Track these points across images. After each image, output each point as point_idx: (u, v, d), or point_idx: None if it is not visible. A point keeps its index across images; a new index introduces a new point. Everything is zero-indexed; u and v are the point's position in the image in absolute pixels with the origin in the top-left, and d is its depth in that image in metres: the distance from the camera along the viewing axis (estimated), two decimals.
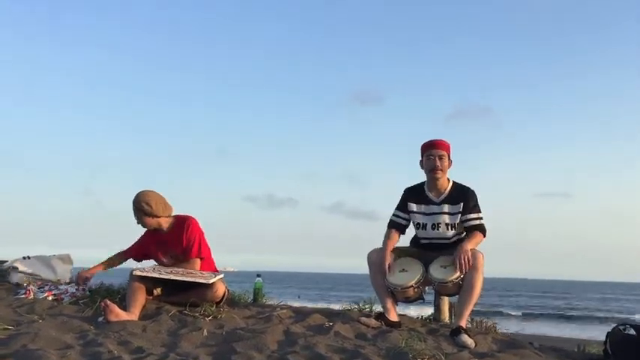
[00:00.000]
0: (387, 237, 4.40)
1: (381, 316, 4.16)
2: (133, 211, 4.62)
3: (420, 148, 4.40)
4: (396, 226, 4.46)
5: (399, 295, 4.22)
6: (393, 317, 4.17)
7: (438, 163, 4.27)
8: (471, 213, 4.27)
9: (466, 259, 4.00)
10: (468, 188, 4.35)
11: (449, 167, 4.33)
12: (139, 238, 4.87)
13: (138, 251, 4.84)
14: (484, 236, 4.25)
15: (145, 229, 4.77)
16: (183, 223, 4.64)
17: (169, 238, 4.64)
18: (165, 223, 4.64)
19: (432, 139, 4.35)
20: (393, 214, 4.49)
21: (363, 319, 4.12)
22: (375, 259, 4.30)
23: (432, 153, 4.29)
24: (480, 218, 4.28)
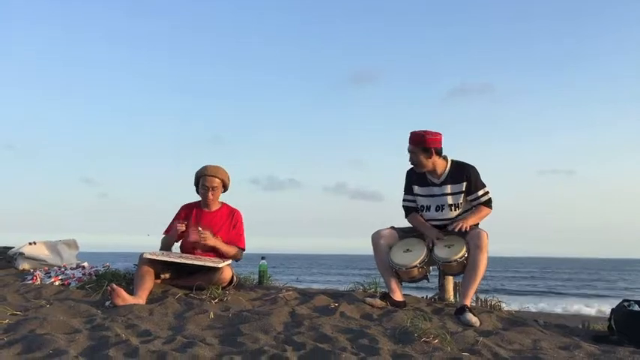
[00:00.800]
0: (413, 219, 4.45)
1: (386, 297, 4.17)
2: (206, 180, 4.64)
3: None
4: (410, 209, 4.50)
5: (404, 276, 4.23)
6: (397, 297, 4.19)
7: (412, 158, 4.31)
8: (477, 190, 4.28)
9: (460, 227, 4.09)
10: (468, 165, 4.33)
11: (432, 157, 4.26)
12: (176, 217, 4.80)
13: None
14: (490, 209, 4.30)
15: (181, 207, 4.82)
16: (233, 213, 4.80)
17: (215, 219, 4.71)
18: (218, 203, 4.79)
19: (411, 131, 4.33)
20: (403, 199, 4.54)
21: (369, 299, 4.14)
22: (380, 238, 4.32)
23: (408, 148, 4.33)
24: (487, 193, 4.30)
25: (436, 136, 4.27)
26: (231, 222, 4.76)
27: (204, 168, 4.69)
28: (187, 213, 4.77)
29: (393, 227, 4.44)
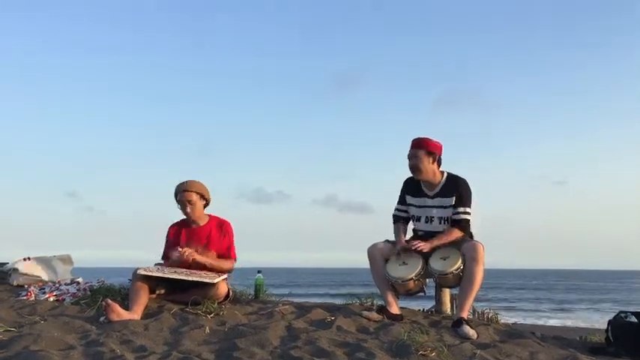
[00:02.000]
0: (396, 230, 4.49)
1: (382, 310, 4.16)
2: (183, 196, 4.61)
3: None
4: (399, 219, 4.53)
5: (400, 289, 4.23)
6: (394, 310, 4.18)
7: (413, 161, 4.31)
8: (459, 206, 4.27)
9: (417, 247, 4.15)
10: (461, 179, 4.34)
11: (434, 162, 4.30)
12: (167, 238, 4.77)
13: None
14: (463, 232, 4.28)
15: (168, 229, 4.79)
16: (222, 224, 4.77)
17: (204, 233, 4.69)
18: (205, 217, 4.76)
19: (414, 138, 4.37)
20: (395, 208, 4.57)
21: (365, 312, 4.12)
22: (376, 251, 4.32)
23: (409, 153, 4.35)
24: (467, 213, 4.28)
25: (438, 144, 4.34)
26: (221, 233, 4.73)
27: (178, 185, 4.67)
28: (176, 232, 4.75)
29: (388, 240, 4.45)
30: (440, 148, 4.34)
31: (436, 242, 4.21)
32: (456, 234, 4.25)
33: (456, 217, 4.27)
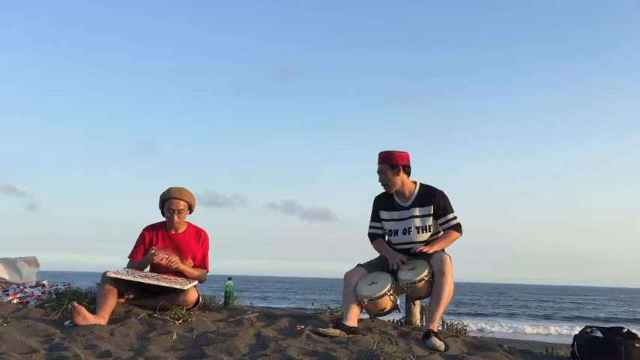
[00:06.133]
0: (378, 245, 4.50)
1: (339, 324, 4.01)
2: (172, 204, 4.58)
3: None
4: (376, 236, 4.55)
5: (372, 309, 4.17)
6: (350, 323, 4.03)
7: (380, 177, 4.35)
8: (445, 214, 4.33)
9: (422, 250, 4.16)
10: (436, 189, 4.39)
11: (399, 174, 4.31)
12: (141, 241, 4.70)
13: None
14: (460, 234, 4.35)
15: (142, 230, 4.73)
16: (200, 233, 4.77)
17: (182, 241, 4.67)
18: (184, 224, 4.75)
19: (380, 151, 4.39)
20: (370, 227, 4.58)
21: (322, 330, 3.95)
22: (352, 277, 4.28)
23: (377, 169, 4.38)
24: (455, 217, 4.35)
25: (403, 154, 4.36)
26: (198, 242, 4.72)
27: (169, 191, 4.63)
28: (153, 235, 4.69)
29: (360, 265, 4.42)
30: (405, 158, 4.35)
31: (437, 245, 4.22)
32: (455, 235, 4.32)
33: (448, 224, 4.33)
